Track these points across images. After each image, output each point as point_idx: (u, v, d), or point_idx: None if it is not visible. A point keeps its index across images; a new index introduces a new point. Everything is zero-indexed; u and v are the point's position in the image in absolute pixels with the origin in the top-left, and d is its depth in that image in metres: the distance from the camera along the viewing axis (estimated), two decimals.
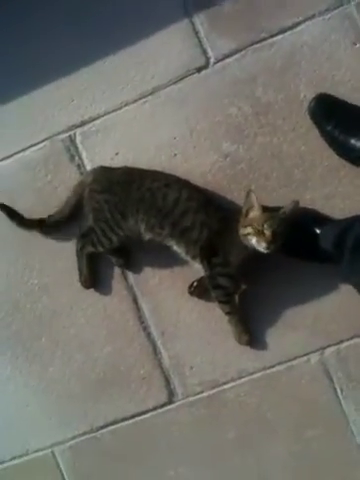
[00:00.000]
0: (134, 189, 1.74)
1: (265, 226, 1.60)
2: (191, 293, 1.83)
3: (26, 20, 1.92)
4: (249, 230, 1.62)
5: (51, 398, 1.97)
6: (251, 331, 1.81)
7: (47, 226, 1.90)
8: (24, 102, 1.93)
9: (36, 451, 2.01)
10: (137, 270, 1.90)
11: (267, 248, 1.61)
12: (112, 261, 1.88)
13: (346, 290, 1.72)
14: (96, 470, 1.98)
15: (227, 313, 1.77)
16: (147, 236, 1.76)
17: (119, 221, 1.75)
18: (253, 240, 1.62)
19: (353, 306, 1.74)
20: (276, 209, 1.65)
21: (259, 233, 1.60)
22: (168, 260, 1.83)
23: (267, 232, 1.60)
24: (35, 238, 1.94)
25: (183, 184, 1.75)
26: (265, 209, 1.63)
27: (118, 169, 1.81)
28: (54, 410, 1.98)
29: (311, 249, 1.69)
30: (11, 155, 1.95)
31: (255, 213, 1.62)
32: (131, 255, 1.88)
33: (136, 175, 1.76)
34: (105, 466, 1.97)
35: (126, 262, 1.88)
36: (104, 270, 1.90)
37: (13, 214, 1.91)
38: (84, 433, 1.97)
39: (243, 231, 1.63)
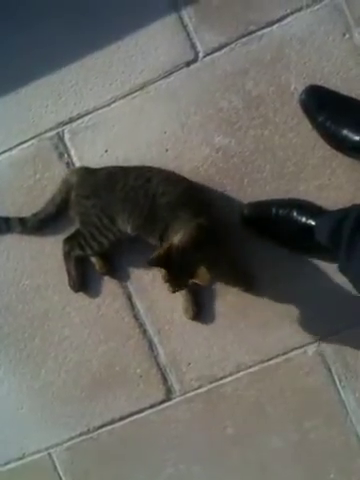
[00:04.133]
0: (118, 190, 1.71)
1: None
2: None
3: (11, 16, 1.88)
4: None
5: (46, 399, 1.96)
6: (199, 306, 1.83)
7: (31, 225, 1.87)
8: (10, 100, 1.89)
9: (32, 454, 1.99)
10: (131, 267, 1.88)
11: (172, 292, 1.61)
12: (96, 267, 1.86)
13: (342, 281, 1.72)
14: (94, 471, 1.97)
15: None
16: (135, 235, 1.73)
17: (107, 225, 1.74)
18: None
19: (349, 296, 1.75)
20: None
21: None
22: None
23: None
24: (25, 239, 1.92)
25: (163, 177, 1.73)
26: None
27: (101, 170, 1.78)
28: (49, 412, 1.96)
29: (307, 241, 1.70)
30: None
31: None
32: (113, 263, 1.87)
33: (120, 175, 1.74)
34: (103, 466, 1.96)
35: (110, 270, 1.88)
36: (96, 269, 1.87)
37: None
38: (81, 434, 1.96)
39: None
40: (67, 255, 1.84)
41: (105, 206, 1.73)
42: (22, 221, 1.87)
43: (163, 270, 1.57)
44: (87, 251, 1.80)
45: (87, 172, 1.81)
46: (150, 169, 1.76)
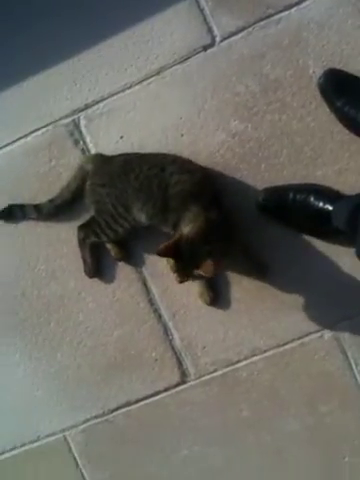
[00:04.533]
0: (133, 179, 1.71)
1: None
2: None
3: (26, 3, 1.87)
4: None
5: (61, 383, 1.98)
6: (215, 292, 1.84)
7: (47, 211, 1.87)
8: (26, 87, 1.89)
9: (48, 436, 2.02)
10: (145, 253, 1.89)
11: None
12: (111, 254, 1.87)
13: (358, 265, 1.71)
14: (109, 453, 1.99)
15: None
16: (150, 224, 1.74)
17: (122, 213, 1.74)
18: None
19: None
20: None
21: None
22: None
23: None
24: (40, 225, 1.93)
25: (178, 165, 1.72)
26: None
27: (116, 159, 1.78)
28: (65, 395, 1.98)
29: (324, 226, 1.70)
30: (14, 141, 1.92)
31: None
32: (129, 249, 1.88)
33: (134, 163, 1.73)
34: (118, 449, 1.98)
35: (125, 256, 1.88)
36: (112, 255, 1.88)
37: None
38: (96, 416, 1.98)
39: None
40: (82, 242, 1.85)
41: (120, 195, 1.73)
42: (37, 208, 1.88)
43: (171, 260, 1.58)
44: (102, 238, 1.81)
45: (102, 160, 1.81)
46: (164, 157, 1.76)
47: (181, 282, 1.64)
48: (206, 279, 1.81)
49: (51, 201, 1.86)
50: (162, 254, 1.59)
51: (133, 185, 1.71)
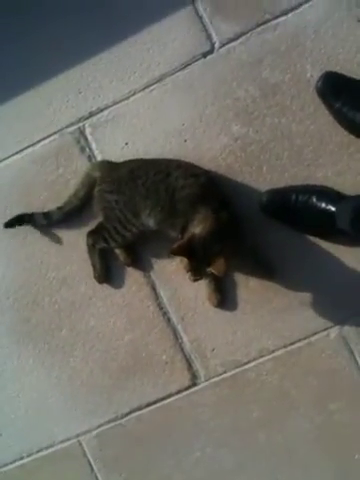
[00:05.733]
0: (140, 185, 1.75)
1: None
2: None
3: (30, 12, 1.92)
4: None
5: (74, 388, 1.99)
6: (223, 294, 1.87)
7: (56, 218, 1.91)
8: (31, 96, 1.94)
9: (62, 441, 2.03)
10: (154, 258, 1.92)
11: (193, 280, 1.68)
12: (120, 259, 1.90)
13: None
14: (123, 456, 2.00)
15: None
16: (158, 229, 1.77)
17: (131, 219, 1.77)
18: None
19: None
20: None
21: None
22: None
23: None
24: (50, 231, 1.96)
25: (183, 170, 1.75)
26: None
27: (123, 166, 1.81)
28: (78, 400, 2.00)
29: (327, 227, 1.72)
30: (21, 150, 1.97)
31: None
32: (137, 254, 1.90)
33: (141, 170, 1.77)
34: (132, 452, 1.99)
35: (133, 261, 1.91)
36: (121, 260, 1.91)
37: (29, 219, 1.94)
38: (109, 421, 1.99)
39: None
40: (91, 248, 1.88)
41: (128, 201, 1.77)
42: (47, 215, 1.92)
43: (185, 260, 1.61)
44: (111, 244, 1.84)
45: (109, 167, 1.85)
46: (169, 162, 1.79)
47: (195, 280, 1.68)
48: (214, 281, 1.84)
49: (60, 208, 1.90)
50: (176, 253, 1.62)
51: (140, 191, 1.75)
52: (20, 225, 1.94)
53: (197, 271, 1.65)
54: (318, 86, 1.75)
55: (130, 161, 1.83)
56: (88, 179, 1.86)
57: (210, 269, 1.60)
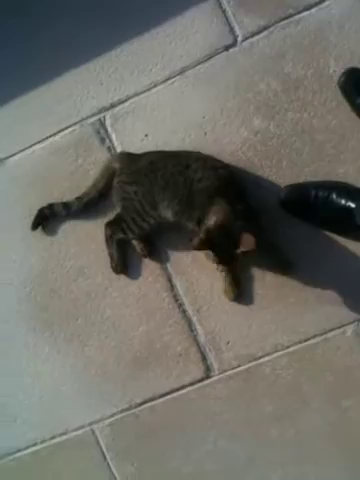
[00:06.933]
0: (159, 177, 1.75)
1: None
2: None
3: (53, 4, 1.93)
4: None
5: (89, 377, 2.01)
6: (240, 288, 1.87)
7: (76, 208, 1.92)
8: (54, 87, 1.95)
9: (76, 429, 2.05)
10: (170, 249, 1.93)
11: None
12: (137, 250, 1.91)
13: None
14: (135, 446, 2.02)
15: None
16: (175, 220, 1.78)
17: (149, 211, 1.78)
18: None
19: None
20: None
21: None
22: None
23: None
24: (68, 221, 1.98)
25: (202, 162, 1.75)
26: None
27: (142, 158, 1.82)
28: (92, 388, 2.02)
29: (346, 223, 1.71)
30: (42, 140, 1.98)
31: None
32: (154, 245, 1.92)
33: (160, 162, 1.77)
34: (144, 442, 2.01)
35: (150, 252, 1.91)
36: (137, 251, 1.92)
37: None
38: (123, 410, 2.00)
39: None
40: (109, 238, 1.89)
41: (147, 193, 1.77)
42: (66, 205, 1.93)
43: (210, 252, 1.61)
44: (129, 235, 1.85)
45: (129, 159, 1.85)
46: (189, 155, 1.80)
47: (227, 270, 1.72)
48: (230, 275, 1.84)
49: (79, 199, 1.91)
50: (198, 248, 1.64)
51: (159, 183, 1.75)
52: (45, 221, 1.97)
53: (225, 259, 1.66)
54: (341, 81, 1.74)
55: (149, 153, 1.83)
56: (107, 170, 1.88)
57: (240, 249, 1.60)
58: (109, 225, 1.88)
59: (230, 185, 1.74)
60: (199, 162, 1.74)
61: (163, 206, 1.75)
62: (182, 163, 1.75)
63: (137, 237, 1.87)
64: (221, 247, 1.62)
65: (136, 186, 1.78)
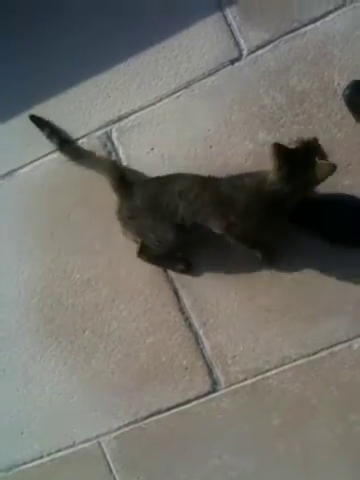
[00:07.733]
0: (158, 211, 1.77)
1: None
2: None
3: (60, 17, 1.96)
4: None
5: (96, 390, 2.01)
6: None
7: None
8: (61, 100, 1.97)
9: (82, 442, 2.04)
10: None
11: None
12: (171, 267, 1.91)
13: None
14: (142, 459, 2.00)
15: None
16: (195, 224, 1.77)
17: (162, 232, 1.79)
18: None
19: None
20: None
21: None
22: (207, 252, 1.87)
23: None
24: (75, 234, 1.99)
25: (189, 183, 1.75)
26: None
27: (138, 196, 1.81)
28: (99, 401, 2.01)
29: (353, 236, 1.70)
30: (50, 153, 2.00)
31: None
32: (192, 263, 1.91)
33: (155, 196, 1.78)
34: (151, 455, 2.00)
35: (187, 268, 1.91)
36: (144, 264, 1.92)
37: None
38: (129, 423, 1.99)
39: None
40: (152, 259, 1.90)
41: (151, 223, 1.79)
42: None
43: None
44: (160, 251, 1.85)
45: (125, 194, 1.84)
46: (182, 179, 1.78)
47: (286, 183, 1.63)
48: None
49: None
50: (277, 147, 1.58)
51: (161, 214, 1.77)
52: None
53: (290, 175, 1.60)
54: (345, 94, 1.75)
55: (145, 188, 1.82)
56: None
57: (317, 177, 1.57)
58: (141, 254, 1.88)
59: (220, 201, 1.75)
60: (186, 183, 1.75)
61: (172, 228, 1.77)
62: (175, 191, 1.74)
63: (169, 250, 1.86)
64: (294, 164, 1.58)
65: (138, 219, 1.81)
